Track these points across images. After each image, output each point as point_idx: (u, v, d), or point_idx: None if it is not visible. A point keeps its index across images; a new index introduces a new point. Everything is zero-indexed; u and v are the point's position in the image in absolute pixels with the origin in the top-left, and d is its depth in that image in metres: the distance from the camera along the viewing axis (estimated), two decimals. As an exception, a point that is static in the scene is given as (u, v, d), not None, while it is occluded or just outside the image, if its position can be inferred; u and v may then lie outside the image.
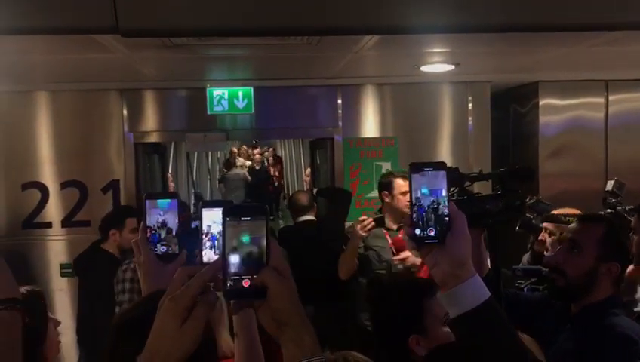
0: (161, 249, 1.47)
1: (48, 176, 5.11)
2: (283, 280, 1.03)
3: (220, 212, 1.13)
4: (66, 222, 5.08)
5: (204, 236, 1.33)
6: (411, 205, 1.19)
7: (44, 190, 5.09)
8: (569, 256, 2.22)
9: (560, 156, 5.47)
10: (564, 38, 3.76)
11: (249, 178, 11.76)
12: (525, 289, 3.11)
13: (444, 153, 5.35)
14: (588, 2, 2.38)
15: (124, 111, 5.17)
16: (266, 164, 14.05)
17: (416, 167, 1.20)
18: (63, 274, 5.00)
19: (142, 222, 1.48)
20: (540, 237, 3.60)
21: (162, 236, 1.47)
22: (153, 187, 5.92)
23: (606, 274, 2.18)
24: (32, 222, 5.05)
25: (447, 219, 1.18)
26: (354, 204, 5.06)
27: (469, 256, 1.19)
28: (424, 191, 1.19)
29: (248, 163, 13.29)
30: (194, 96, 5.16)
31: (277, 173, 14.04)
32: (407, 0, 2.07)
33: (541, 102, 5.45)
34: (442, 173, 1.19)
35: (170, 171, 6.98)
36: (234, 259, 1.02)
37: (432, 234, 1.18)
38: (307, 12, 1.94)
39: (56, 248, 5.10)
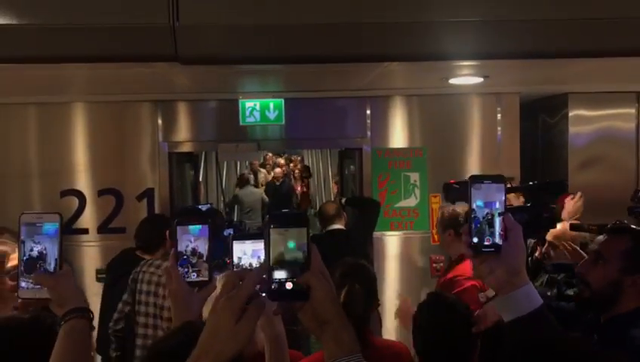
0: (193, 276, 1.50)
1: (85, 184, 5.27)
2: (325, 282, 1.11)
3: (249, 244, 1.23)
4: (102, 229, 5.23)
5: (234, 268, 1.39)
6: (470, 215, 1.26)
7: (81, 197, 5.25)
8: (593, 267, 2.25)
9: (590, 167, 5.44)
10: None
11: (266, 198, 9.67)
12: (561, 284, 3.11)
13: (473, 164, 5.37)
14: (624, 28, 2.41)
15: (159, 122, 5.31)
16: (291, 178, 11.92)
17: (476, 179, 1.27)
18: (98, 280, 5.14)
19: (172, 249, 1.51)
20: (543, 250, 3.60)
21: (193, 262, 1.50)
22: (184, 194, 6.04)
23: (631, 286, 2.18)
24: (70, 228, 5.21)
25: (503, 229, 1.25)
26: (382, 213, 5.10)
27: (524, 265, 1.28)
28: (482, 202, 1.26)
29: (270, 176, 11.20)
30: (226, 108, 5.27)
31: (304, 189, 11.89)
32: (442, 28, 2.14)
33: (570, 113, 5.44)
34: (500, 186, 1.27)
35: (200, 179, 7.10)
36: (278, 262, 1.11)
37: (489, 243, 1.25)
38: (347, 41, 2.02)
39: (92, 254, 5.25)
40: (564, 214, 4.03)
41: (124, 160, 5.29)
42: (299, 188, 11.83)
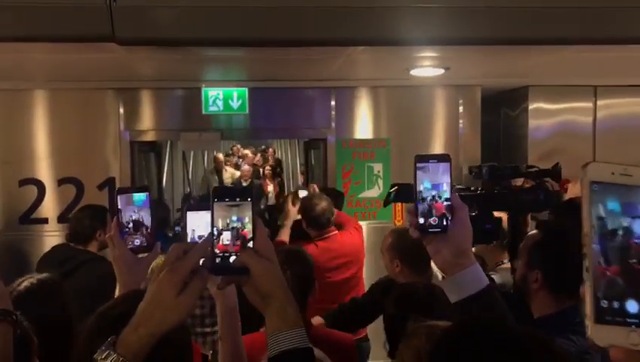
0: (135, 242, 1.52)
1: (45, 172, 5.18)
2: (262, 260, 1.11)
3: (205, 214, 1.22)
4: (62, 218, 5.14)
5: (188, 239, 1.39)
6: (415, 196, 1.25)
7: (40, 186, 5.16)
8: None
9: (549, 159, 5.45)
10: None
11: None
12: None
13: (435, 155, 5.42)
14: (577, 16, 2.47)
15: (121, 110, 5.24)
16: (260, 176, 9.99)
17: (421, 159, 1.26)
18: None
19: (115, 218, 1.52)
20: None
21: (136, 230, 1.52)
22: (148, 185, 5.99)
23: (535, 282, 2.14)
24: (29, 218, 5.12)
25: (449, 209, 1.24)
26: (346, 203, 5.14)
27: (470, 245, 1.27)
28: (428, 182, 1.25)
29: (237, 173, 9.56)
30: (189, 96, 5.24)
31: (276, 189, 10.02)
32: (400, 13, 2.16)
33: (531, 106, 5.55)
34: (446, 165, 1.25)
35: (165, 169, 7.05)
36: (222, 237, 1.11)
37: (435, 223, 1.24)
38: (301, 25, 2.02)
39: (53, 243, 5.15)
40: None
41: (85, 149, 5.21)
42: (270, 188, 10.00)
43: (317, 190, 4.85)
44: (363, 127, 5.49)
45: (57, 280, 2.26)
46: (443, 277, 1.32)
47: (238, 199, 1.12)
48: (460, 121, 5.51)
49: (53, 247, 4.06)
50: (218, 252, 1.11)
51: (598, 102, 5.58)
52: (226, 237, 1.11)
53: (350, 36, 2.27)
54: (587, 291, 0.69)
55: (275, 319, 1.11)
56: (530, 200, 2.77)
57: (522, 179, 3.26)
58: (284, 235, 4.10)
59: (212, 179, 8.76)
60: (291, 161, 10.58)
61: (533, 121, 5.56)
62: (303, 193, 4.96)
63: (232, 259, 1.11)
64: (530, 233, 2.38)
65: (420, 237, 1.27)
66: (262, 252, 1.12)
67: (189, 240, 1.39)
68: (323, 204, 3.97)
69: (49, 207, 5.17)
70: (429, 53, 4.14)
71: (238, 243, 1.11)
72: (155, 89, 5.27)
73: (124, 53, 3.83)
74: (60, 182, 5.16)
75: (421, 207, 1.24)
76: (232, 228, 1.11)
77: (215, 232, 1.11)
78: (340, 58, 4.16)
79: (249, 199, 1.13)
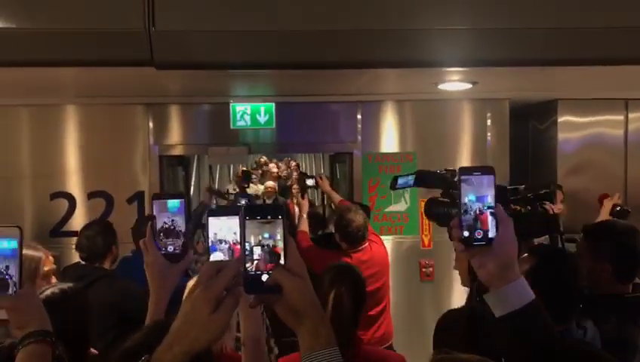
0: (169, 249, 1.51)
1: (76, 186, 5.26)
2: (294, 278, 1.10)
3: (226, 220, 1.22)
4: (93, 232, 5.21)
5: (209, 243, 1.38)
6: (459, 208, 1.23)
7: (71, 200, 5.24)
8: None
9: (579, 173, 5.48)
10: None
11: None
12: None
13: (463, 169, 5.38)
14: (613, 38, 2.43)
15: (150, 125, 5.31)
16: (288, 197, 8.29)
17: (466, 171, 1.24)
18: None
19: (149, 222, 1.52)
20: None
21: (170, 236, 1.51)
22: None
23: None
24: (60, 231, 5.20)
25: (495, 222, 1.22)
26: (372, 218, 5.11)
27: (515, 259, 1.25)
28: (472, 194, 1.23)
29: (261, 188, 8.34)
30: (217, 111, 5.28)
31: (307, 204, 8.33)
32: (427, 36, 2.16)
33: (560, 120, 5.48)
34: (490, 178, 1.24)
35: (192, 183, 7.10)
36: (254, 255, 1.11)
37: (480, 236, 1.22)
38: (330, 47, 2.03)
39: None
40: (603, 215, 4.09)
41: (115, 163, 5.28)
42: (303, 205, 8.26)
43: (324, 179, 4.89)
44: (389, 140, 5.47)
45: (80, 288, 2.29)
46: (485, 290, 1.29)
47: (269, 217, 1.12)
48: (488, 135, 5.46)
49: (65, 267, 4.04)
50: (250, 270, 1.11)
51: (630, 115, 5.49)
52: (258, 255, 1.11)
53: (377, 59, 2.27)
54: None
55: (307, 338, 1.10)
56: (525, 226, 2.66)
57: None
58: (304, 225, 4.13)
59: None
60: (316, 174, 10.56)
61: (562, 135, 5.49)
62: (310, 181, 4.99)
63: (264, 277, 1.10)
64: (522, 257, 2.33)
65: (465, 251, 1.25)
66: (294, 270, 1.11)
67: (209, 244, 1.38)
68: (359, 220, 4.00)
69: (79, 220, 5.23)
70: (456, 68, 4.12)
71: (270, 261, 1.11)
72: (184, 104, 5.32)
73: (155, 70, 3.88)
74: (90, 195, 5.24)
75: (465, 220, 1.23)
76: (264, 245, 1.11)
77: (247, 250, 1.11)
78: (367, 73, 4.16)
79: (280, 217, 1.12)
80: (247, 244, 1.11)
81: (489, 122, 5.46)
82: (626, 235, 2.54)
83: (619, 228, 2.65)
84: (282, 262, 1.11)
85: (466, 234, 1.23)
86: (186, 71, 3.90)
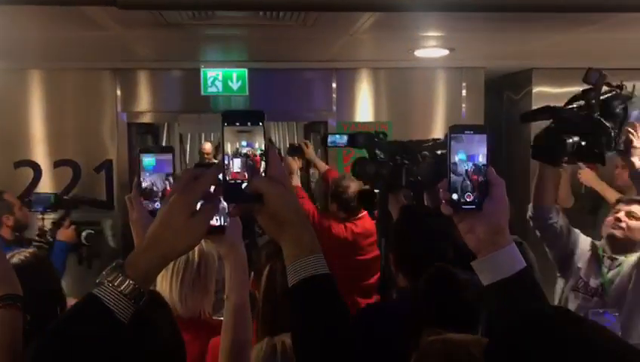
0: (156, 205, 1.42)
1: (41, 154, 5.11)
2: (276, 185, 1.06)
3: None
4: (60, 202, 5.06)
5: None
6: (449, 169, 1.15)
7: (36, 168, 5.08)
8: None
9: (552, 144, 5.47)
10: (558, 25, 3.77)
11: None
12: None
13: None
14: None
15: (118, 91, 5.16)
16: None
17: (456, 130, 1.16)
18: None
19: (136, 178, 1.43)
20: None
21: (156, 192, 1.42)
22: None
23: (393, 262, 2.22)
24: (25, 201, 5.03)
25: (485, 184, 1.15)
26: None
27: (507, 224, 1.16)
28: (463, 153, 1.15)
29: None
30: (188, 77, 5.15)
31: None
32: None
33: (534, 90, 5.46)
34: (482, 137, 1.16)
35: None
36: (233, 163, 1.06)
37: (470, 199, 1.15)
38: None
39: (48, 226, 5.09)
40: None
41: (82, 130, 5.13)
42: None
43: (309, 146, 4.84)
44: (364, 109, 5.41)
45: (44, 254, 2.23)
46: (473, 257, 1.21)
47: (249, 123, 1.07)
48: (463, 105, 5.44)
49: None
50: (229, 179, 1.06)
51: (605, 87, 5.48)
52: (238, 164, 1.07)
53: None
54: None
55: (291, 247, 1.07)
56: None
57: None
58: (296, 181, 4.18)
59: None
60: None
61: (537, 105, 5.44)
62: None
63: (245, 186, 1.06)
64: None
65: (453, 215, 1.16)
66: (275, 177, 1.07)
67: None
68: (353, 186, 3.92)
69: (45, 190, 5.07)
70: (433, 32, 4.06)
71: (249, 170, 1.07)
72: (153, 69, 5.18)
73: (122, 31, 3.74)
74: (56, 164, 5.09)
75: (454, 181, 1.14)
76: (243, 153, 1.07)
77: (226, 159, 1.06)
78: (342, 38, 4.07)
79: (260, 123, 1.07)
80: (226, 152, 1.07)
81: (464, 92, 5.43)
82: None
83: None
84: (263, 170, 1.07)
85: (454, 196, 1.14)
86: (155, 31, 3.77)
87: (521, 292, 1.13)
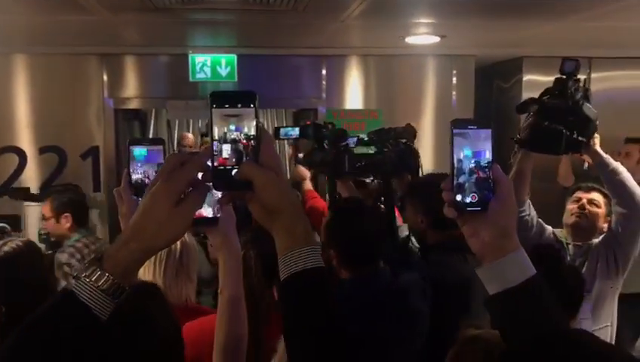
0: None
1: (26, 140, 5.02)
2: (266, 171, 0.99)
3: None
4: (45, 188, 5.00)
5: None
6: (452, 168, 1.07)
7: (21, 155, 5.00)
8: None
9: (542, 132, 5.48)
10: (549, 14, 3.76)
11: None
12: None
13: (427, 127, 5.35)
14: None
15: (105, 77, 5.08)
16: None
17: (459, 125, 1.07)
18: (41, 240, 4.94)
19: (125, 170, 1.37)
20: None
21: (147, 183, 1.39)
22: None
23: (335, 258, 2.24)
24: (10, 188, 4.97)
25: (491, 184, 1.06)
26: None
27: (514, 227, 1.06)
28: (467, 152, 1.07)
29: None
30: (176, 63, 5.08)
31: None
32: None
33: (524, 78, 5.46)
34: (487, 133, 1.07)
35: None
36: (222, 148, 0.99)
37: (474, 200, 1.05)
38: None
39: (34, 213, 5.03)
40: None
41: (68, 116, 5.05)
42: None
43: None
44: (354, 97, 5.38)
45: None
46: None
47: (239, 105, 0.99)
48: (453, 93, 5.43)
49: None
50: (218, 165, 0.99)
51: (593, 75, 5.50)
52: (227, 149, 0.99)
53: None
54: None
55: (283, 237, 1.00)
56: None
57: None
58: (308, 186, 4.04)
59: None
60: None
61: (527, 94, 5.45)
62: None
63: (234, 172, 0.99)
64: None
65: (458, 218, 1.07)
66: (266, 163, 0.99)
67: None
68: None
69: (31, 176, 5.02)
70: (424, 19, 4.03)
71: (240, 155, 1.00)
72: (141, 55, 5.11)
73: (109, 16, 3.68)
74: (42, 150, 5.01)
75: (457, 181, 1.05)
76: (233, 138, 0.99)
77: (214, 144, 0.99)
78: (333, 24, 4.03)
79: (252, 105, 1.00)
80: (215, 136, 0.99)
81: (454, 79, 5.42)
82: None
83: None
84: (254, 155, 1.00)
85: (458, 197, 1.05)
86: (141, 17, 3.71)
87: (531, 303, 1.02)
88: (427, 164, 4.32)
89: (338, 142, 2.83)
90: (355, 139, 2.98)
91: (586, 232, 3.00)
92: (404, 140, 2.93)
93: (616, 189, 2.75)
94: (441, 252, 2.50)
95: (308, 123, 3.32)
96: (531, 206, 2.92)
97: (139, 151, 1.31)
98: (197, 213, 1.07)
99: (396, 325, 2.11)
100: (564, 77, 2.58)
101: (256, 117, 1.00)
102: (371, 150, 2.90)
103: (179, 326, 1.40)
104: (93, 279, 0.94)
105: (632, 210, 2.72)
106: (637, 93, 5.64)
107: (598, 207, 3.02)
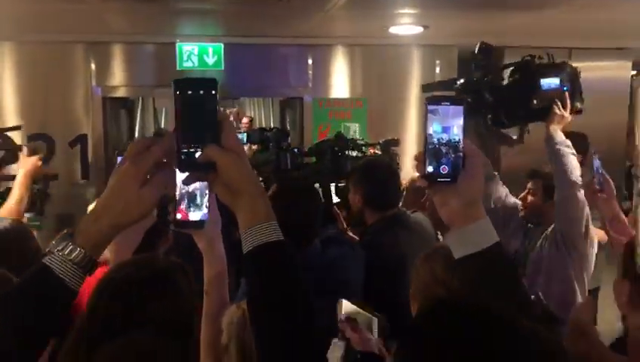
0: None
1: (14, 128, 5.04)
2: (228, 153, 1.04)
3: None
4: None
5: None
6: (425, 141, 1.13)
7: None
8: None
9: (523, 122, 5.58)
10: (530, 4, 3.84)
11: None
12: None
13: (411, 116, 5.44)
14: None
15: (92, 65, 5.11)
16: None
17: (433, 101, 1.13)
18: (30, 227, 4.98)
19: (119, 163, 1.46)
20: None
21: None
22: (120, 141, 5.87)
23: None
24: (-2, 175, 5.00)
25: (461, 156, 1.13)
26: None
27: (480, 197, 1.15)
28: (438, 124, 1.13)
29: None
30: (163, 52, 5.12)
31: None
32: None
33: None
34: (458, 109, 1.13)
35: (137, 127, 6.91)
36: (186, 131, 1.04)
37: (445, 172, 1.13)
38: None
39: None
40: None
41: (56, 104, 5.06)
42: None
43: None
44: (340, 86, 5.45)
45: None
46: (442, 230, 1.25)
47: (201, 91, 1.04)
48: (437, 82, 5.50)
49: None
50: (183, 148, 1.04)
51: (573, 65, 5.58)
52: (190, 131, 1.04)
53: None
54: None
55: (245, 214, 1.06)
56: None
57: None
58: None
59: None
60: (265, 122, 10.47)
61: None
62: None
63: (198, 154, 1.04)
64: None
65: (428, 187, 1.16)
66: (229, 146, 1.05)
67: None
68: None
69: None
70: (408, 9, 4.11)
71: (202, 138, 1.04)
72: (128, 43, 5.13)
73: (96, 4, 3.71)
74: (30, 138, 5.03)
75: (429, 154, 1.13)
76: (197, 121, 1.04)
77: (179, 125, 1.04)
78: (318, 14, 4.09)
79: (214, 92, 1.05)
80: (179, 119, 1.04)
81: (438, 69, 5.50)
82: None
83: None
84: (217, 139, 1.05)
85: (429, 169, 1.13)
86: (129, 5, 3.75)
87: (489, 267, 1.11)
88: (411, 153, 4.41)
89: (280, 143, 3.21)
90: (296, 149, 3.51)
91: (535, 216, 3.19)
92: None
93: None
94: (378, 230, 2.76)
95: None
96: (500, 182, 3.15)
97: None
98: (183, 216, 1.14)
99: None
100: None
101: (217, 101, 1.05)
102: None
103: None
104: (66, 252, 1.00)
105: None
106: (616, 83, 5.76)
107: (532, 195, 3.23)
